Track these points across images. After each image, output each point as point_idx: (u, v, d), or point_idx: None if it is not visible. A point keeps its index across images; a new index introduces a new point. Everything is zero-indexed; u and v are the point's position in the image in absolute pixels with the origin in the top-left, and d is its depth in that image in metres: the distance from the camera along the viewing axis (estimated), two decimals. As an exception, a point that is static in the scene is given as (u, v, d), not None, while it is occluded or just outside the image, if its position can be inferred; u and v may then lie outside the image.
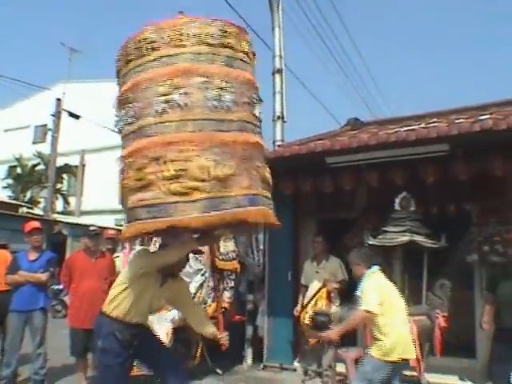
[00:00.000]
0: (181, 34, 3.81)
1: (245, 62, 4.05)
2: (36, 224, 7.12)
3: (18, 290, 6.76)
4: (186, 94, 3.71)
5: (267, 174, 4.03)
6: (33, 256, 6.89)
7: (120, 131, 4.06)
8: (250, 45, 4.15)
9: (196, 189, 3.60)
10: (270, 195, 4.00)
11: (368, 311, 4.71)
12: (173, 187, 3.61)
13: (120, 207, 4.13)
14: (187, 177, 3.61)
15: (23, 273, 6.75)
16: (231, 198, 3.67)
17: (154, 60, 3.83)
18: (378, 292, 4.82)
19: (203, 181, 3.60)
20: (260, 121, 4.12)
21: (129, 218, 3.88)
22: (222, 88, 3.77)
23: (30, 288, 6.74)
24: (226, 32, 3.91)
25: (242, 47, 4.03)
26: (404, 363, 4.87)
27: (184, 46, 3.80)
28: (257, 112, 4.04)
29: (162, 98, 3.72)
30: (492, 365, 6.36)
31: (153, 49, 3.84)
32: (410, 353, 4.91)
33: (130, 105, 3.86)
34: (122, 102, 3.98)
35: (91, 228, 7.16)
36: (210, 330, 4.65)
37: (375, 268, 5.10)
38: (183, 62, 3.78)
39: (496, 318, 6.23)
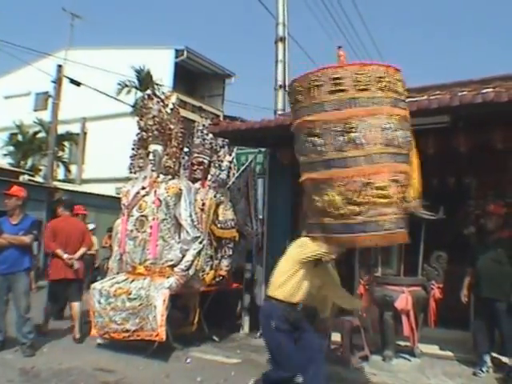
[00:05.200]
0: (357, 80, 4.09)
1: (403, 100, 4.38)
2: (12, 190, 7.17)
3: (1, 253, 6.84)
4: (363, 134, 4.07)
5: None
6: (15, 220, 7.00)
7: (301, 155, 4.50)
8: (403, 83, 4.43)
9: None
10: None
11: None
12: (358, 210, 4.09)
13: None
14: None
15: (6, 235, 6.83)
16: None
17: (325, 102, 4.15)
18: None
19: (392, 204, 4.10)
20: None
21: (318, 230, 4.41)
22: (395, 128, 4.15)
23: (13, 251, 6.84)
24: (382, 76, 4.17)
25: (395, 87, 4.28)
26: None
27: (362, 90, 4.11)
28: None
29: (344, 137, 4.09)
30: (475, 335, 6.54)
31: (334, 91, 4.13)
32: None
33: (316, 138, 4.23)
34: (305, 131, 4.34)
35: None
36: (357, 303, 5.54)
37: None
38: (360, 106, 4.11)
39: (475, 288, 6.41)
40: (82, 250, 7.93)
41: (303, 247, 4.71)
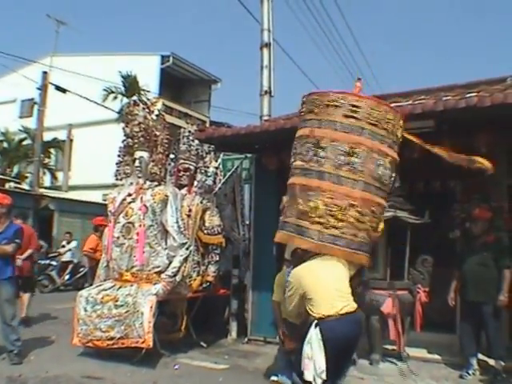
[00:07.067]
0: (370, 114, 4.68)
1: (397, 145, 4.98)
2: None
3: None
4: (362, 162, 4.62)
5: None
6: None
7: (300, 160, 4.90)
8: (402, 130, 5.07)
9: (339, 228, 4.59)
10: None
11: None
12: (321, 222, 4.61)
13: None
14: (334, 218, 4.58)
15: None
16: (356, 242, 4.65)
17: (338, 122, 4.69)
18: None
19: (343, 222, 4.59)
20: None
21: (293, 230, 4.89)
22: (385, 167, 4.75)
23: None
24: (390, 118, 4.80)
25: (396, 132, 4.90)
26: None
27: (371, 124, 4.69)
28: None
29: (344, 158, 4.62)
30: (462, 338, 6.59)
31: (349, 116, 4.68)
32: None
33: (320, 150, 4.71)
34: (313, 141, 4.79)
35: None
36: None
37: None
38: (361, 135, 4.66)
39: (461, 292, 6.46)
40: (28, 251, 9.08)
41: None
